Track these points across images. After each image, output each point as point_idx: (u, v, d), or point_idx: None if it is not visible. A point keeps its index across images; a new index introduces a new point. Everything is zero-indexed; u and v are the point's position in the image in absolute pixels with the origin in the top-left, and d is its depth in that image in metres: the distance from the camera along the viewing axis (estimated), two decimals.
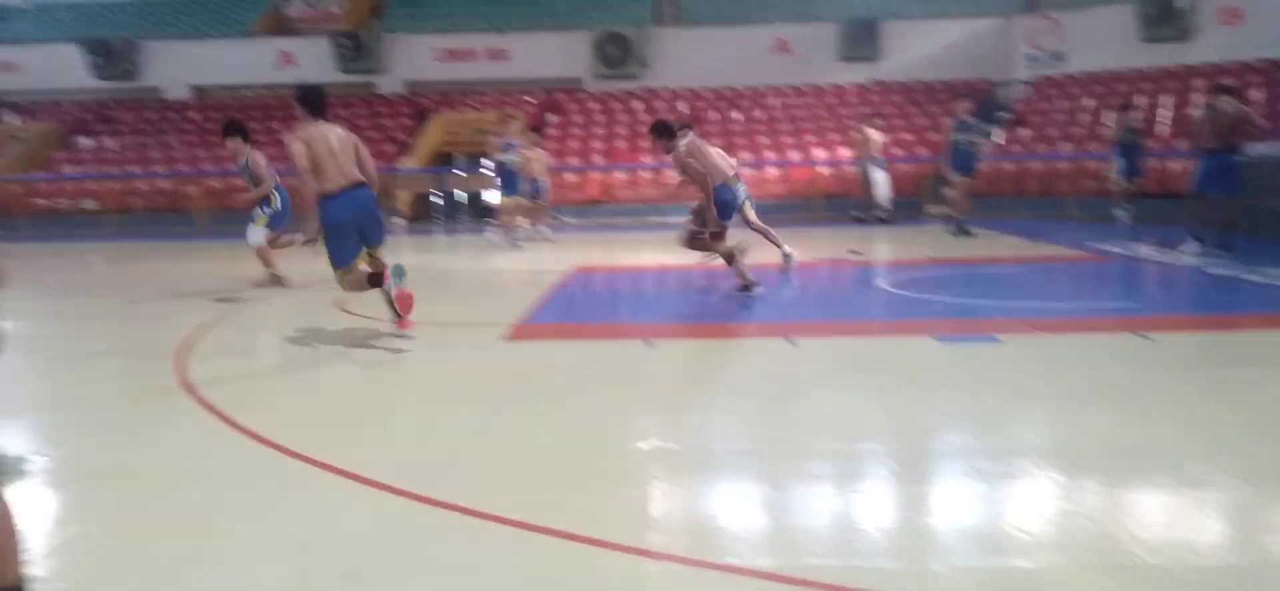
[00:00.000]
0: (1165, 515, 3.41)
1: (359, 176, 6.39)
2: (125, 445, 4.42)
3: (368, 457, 4.00)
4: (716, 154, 8.44)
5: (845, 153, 18.49)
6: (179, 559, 3.11)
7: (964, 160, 13.63)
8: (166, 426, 4.67)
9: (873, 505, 3.57)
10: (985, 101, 20.50)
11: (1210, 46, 18.02)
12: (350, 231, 6.38)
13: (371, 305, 7.75)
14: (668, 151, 8.35)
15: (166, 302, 8.88)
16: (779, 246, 8.88)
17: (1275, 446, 4.06)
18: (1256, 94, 15.46)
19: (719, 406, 4.93)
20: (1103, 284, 9.41)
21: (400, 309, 6.47)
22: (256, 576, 2.98)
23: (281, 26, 23.46)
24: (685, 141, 8.25)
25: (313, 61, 22.32)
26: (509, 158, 13.27)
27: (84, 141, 21.61)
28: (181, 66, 22.78)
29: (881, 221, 16.05)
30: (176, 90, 22.94)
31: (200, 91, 23.07)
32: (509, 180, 13.39)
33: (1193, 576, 2.86)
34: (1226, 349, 6.33)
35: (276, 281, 9.41)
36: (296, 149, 6.23)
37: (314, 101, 6.48)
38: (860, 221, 16.16)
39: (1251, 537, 3.21)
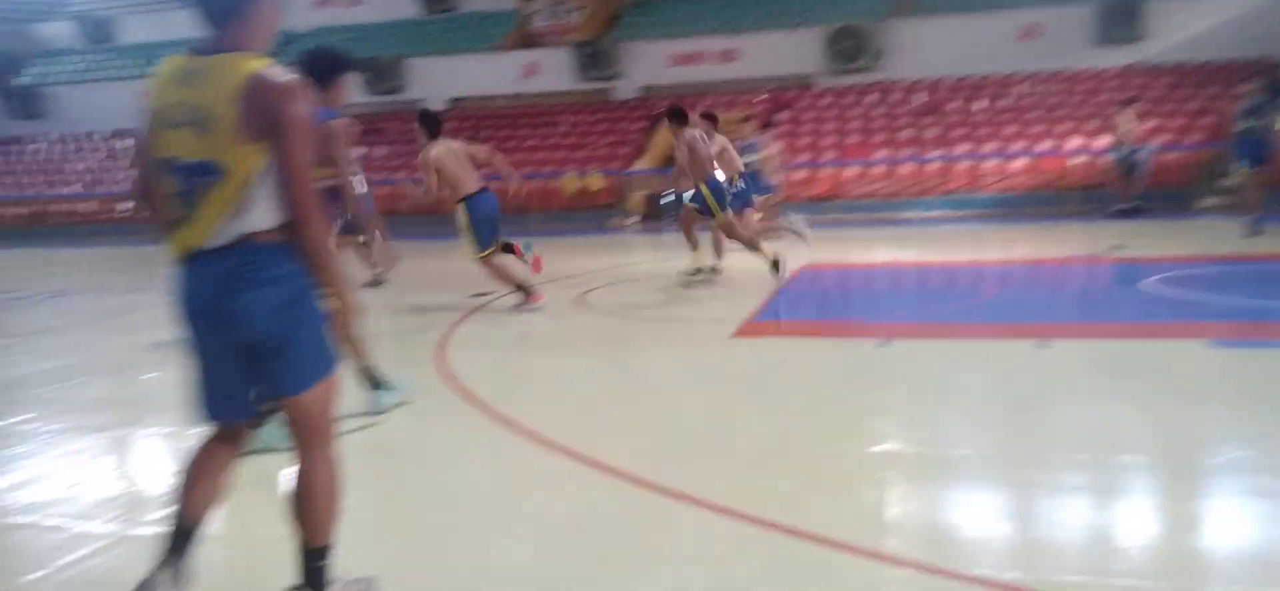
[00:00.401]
0: None
1: (482, 182, 8.03)
2: (391, 425, 4.81)
3: (604, 446, 4.16)
4: (711, 150, 9.23)
5: (1101, 142, 17.12)
6: (433, 531, 3.37)
7: (1253, 149, 12.13)
8: (426, 410, 5.05)
9: (1134, 521, 3.30)
10: (1272, 82, 18.28)
11: None
12: (487, 222, 7.94)
13: (611, 302, 8.03)
14: (677, 136, 9.02)
15: (429, 296, 9.61)
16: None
17: None
18: None
19: (960, 410, 4.71)
20: None
21: (533, 269, 8.33)
22: (502, 553, 3.17)
23: (527, 40, 24.77)
24: (690, 132, 8.94)
25: (554, 71, 23.41)
26: (749, 158, 13.17)
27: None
28: (440, 80, 24.59)
29: (1133, 213, 14.73)
30: (435, 102, 24.80)
31: (456, 102, 24.80)
32: (752, 181, 13.30)
33: None
34: None
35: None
36: (432, 166, 7.74)
37: (432, 124, 7.98)
38: (1122, 215, 14.89)
39: None
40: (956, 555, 3.03)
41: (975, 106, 19.72)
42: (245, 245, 2.43)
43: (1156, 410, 4.52)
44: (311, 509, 2.60)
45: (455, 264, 11.64)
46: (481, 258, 8.00)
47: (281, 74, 2.43)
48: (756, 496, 3.50)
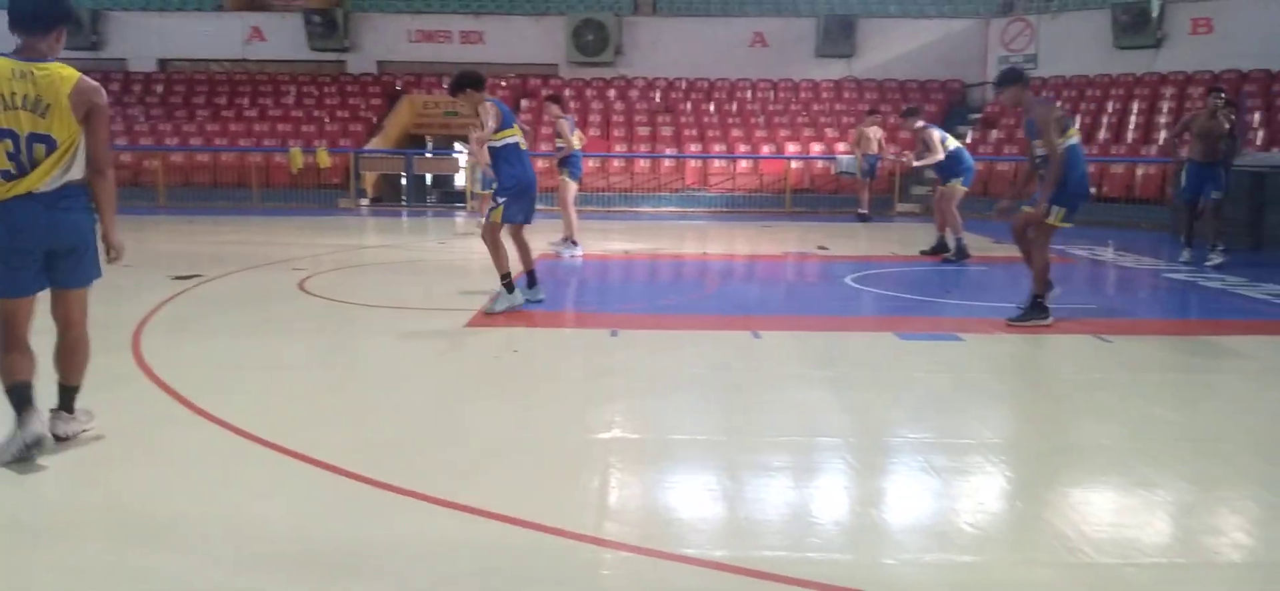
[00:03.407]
0: (1111, 513, 3.45)
1: None
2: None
3: (321, 441, 3.97)
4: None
5: (818, 147, 18.61)
6: (129, 535, 3.06)
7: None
8: (121, 404, 4.55)
9: (827, 498, 3.60)
10: (955, 104, 20.65)
11: (1181, 56, 18.23)
12: None
13: (338, 288, 7.68)
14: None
15: (125, 277, 8.72)
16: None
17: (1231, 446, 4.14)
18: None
19: (681, 397, 4.94)
20: (1079, 285, 9.51)
21: None
22: (208, 555, 2.94)
23: (252, 2, 23.09)
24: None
25: (283, 38, 22.01)
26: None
27: None
28: (147, 39, 22.35)
29: (863, 218, 16.03)
30: (143, 63, 22.53)
31: (165, 64, 22.67)
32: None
33: (1089, 574, 2.91)
34: (1178, 351, 6.41)
35: None
36: None
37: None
38: (864, 218, 15.97)
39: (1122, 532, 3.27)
40: (669, 535, 3.16)
41: (707, 107, 20.73)
42: (66, 188, 3.61)
43: (853, 396, 4.96)
44: (74, 360, 3.89)
45: (159, 242, 10.66)
46: None
47: (89, 80, 3.65)
48: (482, 488, 3.48)
